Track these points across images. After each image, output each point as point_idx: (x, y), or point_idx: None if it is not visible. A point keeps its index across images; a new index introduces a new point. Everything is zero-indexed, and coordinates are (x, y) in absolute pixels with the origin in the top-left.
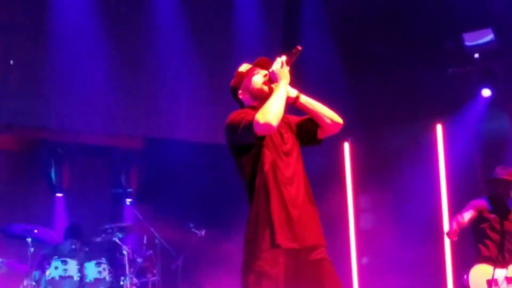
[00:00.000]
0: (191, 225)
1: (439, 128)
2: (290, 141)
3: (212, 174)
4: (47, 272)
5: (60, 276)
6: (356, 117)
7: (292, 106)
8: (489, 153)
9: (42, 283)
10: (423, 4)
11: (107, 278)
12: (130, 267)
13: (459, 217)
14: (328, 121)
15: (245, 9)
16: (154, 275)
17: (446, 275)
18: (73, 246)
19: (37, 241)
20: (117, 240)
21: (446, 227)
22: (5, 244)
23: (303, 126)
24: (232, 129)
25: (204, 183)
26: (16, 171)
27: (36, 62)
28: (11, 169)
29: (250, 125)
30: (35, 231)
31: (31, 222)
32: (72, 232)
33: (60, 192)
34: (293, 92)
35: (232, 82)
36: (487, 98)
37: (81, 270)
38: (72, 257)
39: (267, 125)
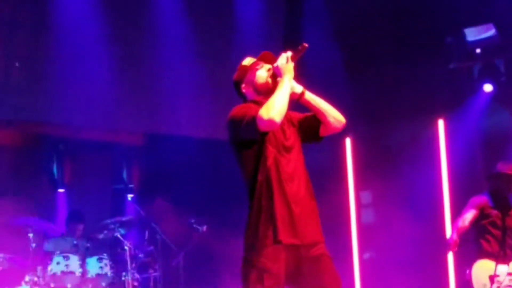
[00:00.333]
0: (192, 221)
1: (440, 124)
2: (292, 137)
3: (213, 170)
4: (49, 268)
5: (62, 272)
6: (357, 112)
7: (296, 102)
8: (490, 148)
9: (44, 278)
10: None
11: (109, 273)
12: (131, 262)
13: (459, 222)
14: (332, 119)
15: (246, 5)
16: (155, 270)
17: (448, 270)
18: (75, 242)
19: (38, 235)
20: (118, 236)
21: (447, 223)
22: (6, 239)
23: (305, 123)
24: (235, 124)
25: (205, 179)
26: (18, 167)
27: (38, 58)
28: (12, 164)
29: (253, 121)
30: (37, 226)
31: (33, 217)
32: (75, 216)
33: (61, 188)
34: (298, 88)
35: (235, 75)
36: (488, 94)
37: (82, 265)
38: (74, 253)
39: (271, 121)
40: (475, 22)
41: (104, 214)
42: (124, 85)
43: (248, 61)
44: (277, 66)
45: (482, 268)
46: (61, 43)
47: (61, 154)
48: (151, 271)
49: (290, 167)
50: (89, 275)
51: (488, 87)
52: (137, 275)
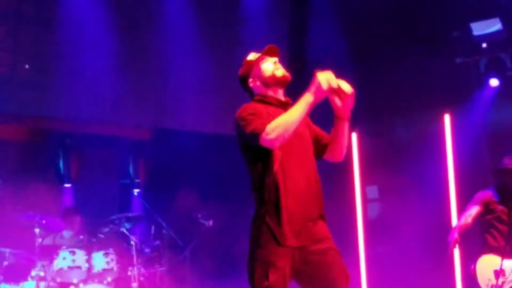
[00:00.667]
0: (199, 216)
1: (447, 118)
2: (305, 139)
3: (220, 164)
4: (55, 263)
5: (68, 267)
6: (363, 107)
7: (331, 116)
8: (497, 143)
9: (50, 273)
10: None
11: (115, 268)
12: (137, 257)
13: (461, 220)
14: (340, 152)
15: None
16: (161, 265)
17: (454, 264)
18: (81, 237)
19: (45, 230)
20: (124, 231)
21: (454, 217)
22: (13, 235)
23: (319, 139)
24: (239, 128)
25: (212, 174)
26: (25, 162)
27: (44, 52)
28: (19, 159)
29: (257, 135)
30: (43, 221)
31: (39, 212)
32: (70, 209)
33: (68, 183)
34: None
35: (241, 71)
36: (495, 88)
37: (89, 260)
38: (80, 248)
39: (274, 142)
40: (481, 16)
41: (110, 209)
42: (130, 80)
43: (253, 56)
44: (316, 77)
45: (487, 263)
46: (67, 38)
47: (68, 149)
48: (157, 265)
49: (299, 168)
50: (95, 270)
51: (494, 82)
52: (143, 270)
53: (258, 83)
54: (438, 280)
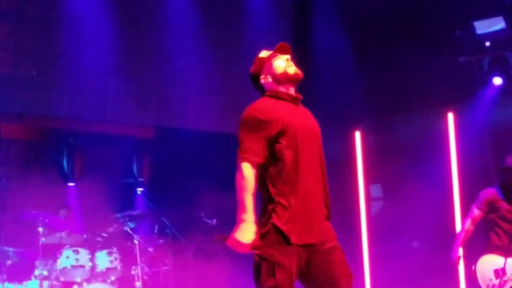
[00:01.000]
0: (202, 214)
1: (450, 117)
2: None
3: (224, 163)
4: (59, 262)
5: (72, 266)
6: (367, 106)
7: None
8: (500, 141)
9: (53, 272)
10: None
11: (118, 267)
12: (141, 256)
13: (462, 233)
14: None
15: None
16: (165, 264)
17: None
18: (85, 236)
19: (48, 230)
20: (128, 230)
21: (457, 216)
22: (16, 234)
23: None
24: (239, 137)
25: (216, 173)
26: (28, 161)
27: (47, 52)
28: (23, 158)
29: (239, 158)
30: (47, 220)
31: (42, 211)
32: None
33: (71, 182)
34: None
35: (252, 68)
36: (498, 86)
37: (92, 259)
38: (83, 247)
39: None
40: (484, 15)
41: (114, 208)
42: (133, 79)
43: (264, 53)
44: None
45: (488, 263)
46: (69, 37)
47: (71, 148)
48: (161, 264)
49: (309, 167)
50: (98, 269)
51: (497, 80)
52: (147, 269)
53: (269, 80)
54: (441, 278)
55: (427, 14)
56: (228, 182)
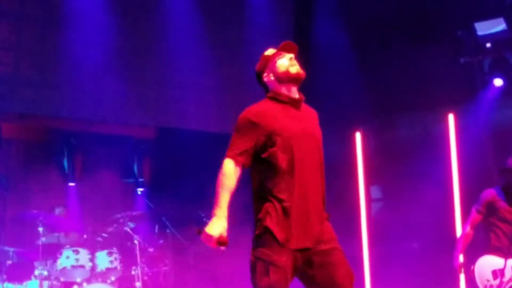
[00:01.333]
0: (202, 214)
1: (451, 118)
2: (316, 140)
3: None
4: (59, 262)
5: (72, 266)
6: (368, 107)
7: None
8: (501, 142)
9: (54, 272)
10: None
11: (119, 267)
12: (141, 256)
13: (462, 239)
14: None
15: None
16: (165, 264)
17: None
18: (85, 236)
19: (48, 230)
20: (128, 230)
21: (458, 217)
22: (16, 234)
23: None
24: (232, 137)
25: (216, 173)
26: (29, 161)
27: (48, 51)
28: (23, 158)
29: (226, 156)
30: (47, 220)
31: (43, 211)
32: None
33: (72, 182)
34: None
35: (257, 66)
36: (499, 88)
37: (92, 259)
38: (83, 247)
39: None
40: (485, 16)
41: (114, 208)
42: (135, 79)
43: (270, 51)
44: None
45: (486, 263)
46: (71, 36)
47: (72, 148)
48: (161, 265)
49: (307, 169)
50: (98, 269)
51: (498, 81)
52: (147, 269)
53: (272, 78)
54: (441, 279)
55: (428, 15)
56: None
